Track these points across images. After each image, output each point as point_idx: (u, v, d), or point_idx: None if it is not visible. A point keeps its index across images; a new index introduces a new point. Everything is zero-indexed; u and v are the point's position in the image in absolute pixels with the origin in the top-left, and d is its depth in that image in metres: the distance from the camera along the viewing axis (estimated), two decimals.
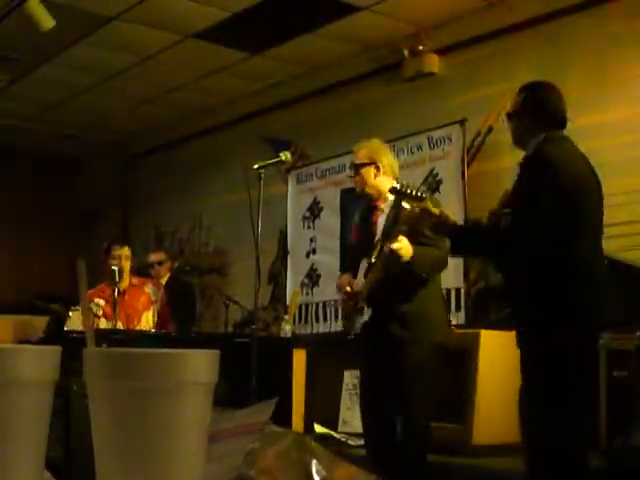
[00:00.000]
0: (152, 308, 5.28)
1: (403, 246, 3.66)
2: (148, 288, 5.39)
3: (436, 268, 3.90)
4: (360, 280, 3.95)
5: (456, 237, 3.40)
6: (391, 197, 3.86)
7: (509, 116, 3.46)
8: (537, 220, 3.13)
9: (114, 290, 5.08)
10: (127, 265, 5.29)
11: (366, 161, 4.00)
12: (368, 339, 3.94)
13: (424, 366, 3.75)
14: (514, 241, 3.22)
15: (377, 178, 3.98)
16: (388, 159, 4.06)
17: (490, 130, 6.09)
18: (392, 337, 3.82)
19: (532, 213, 3.15)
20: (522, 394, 3.24)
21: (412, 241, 3.69)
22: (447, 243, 3.54)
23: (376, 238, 3.92)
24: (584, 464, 3.15)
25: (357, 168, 4.04)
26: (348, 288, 3.98)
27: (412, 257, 3.69)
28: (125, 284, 5.27)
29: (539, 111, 3.32)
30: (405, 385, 3.78)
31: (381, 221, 3.97)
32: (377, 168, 3.98)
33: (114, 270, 5.09)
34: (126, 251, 5.33)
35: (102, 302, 5.14)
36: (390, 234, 3.75)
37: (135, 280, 5.49)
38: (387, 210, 3.97)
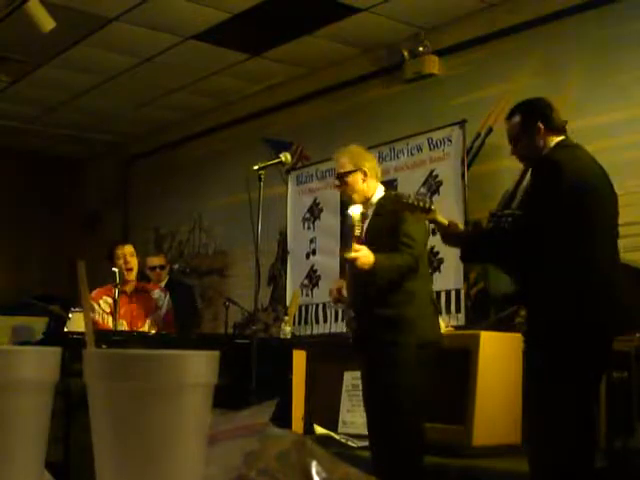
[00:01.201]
0: (157, 314, 5.29)
1: (359, 256, 3.61)
2: (155, 294, 5.40)
3: (399, 275, 3.78)
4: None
5: (466, 246, 3.42)
6: (375, 200, 3.92)
7: (511, 142, 3.43)
8: (544, 223, 3.14)
9: (115, 292, 5.09)
10: (134, 261, 5.28)
11: (351, 168, 3.94)
12: (358, 343, 3.96)
13: (408, 367, 3.72)
14: (522, 245, 3.23)
15: (364, 183, 3.94)
16: (370, 163, 4.01)
17: (490, 131, 6.09)
18: (376, 341, 3.82)
19: (539, 217, 3.16)
20: (527, 393, 3.24)
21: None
22: (415, 250, 3.72)
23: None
24: (587, 468, 3.14)
25: (343, 177, 3.97)
26: (335, 293, 4.00)
27: (373, 265, 3.64)
28: (132, 282, 5.27)
29: (535, 127, 3.32)
30: (390, 386, 3.77)
31: (365, 227, 3.90)
32: (364, 173, 3.94)
33: (115, 272, 5.10)
34: (130, 248, 5.33)
35: (110, 300, 5.15)
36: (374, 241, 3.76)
37: (143, 285, 5.51)
38: (370, 215, 3.93)
